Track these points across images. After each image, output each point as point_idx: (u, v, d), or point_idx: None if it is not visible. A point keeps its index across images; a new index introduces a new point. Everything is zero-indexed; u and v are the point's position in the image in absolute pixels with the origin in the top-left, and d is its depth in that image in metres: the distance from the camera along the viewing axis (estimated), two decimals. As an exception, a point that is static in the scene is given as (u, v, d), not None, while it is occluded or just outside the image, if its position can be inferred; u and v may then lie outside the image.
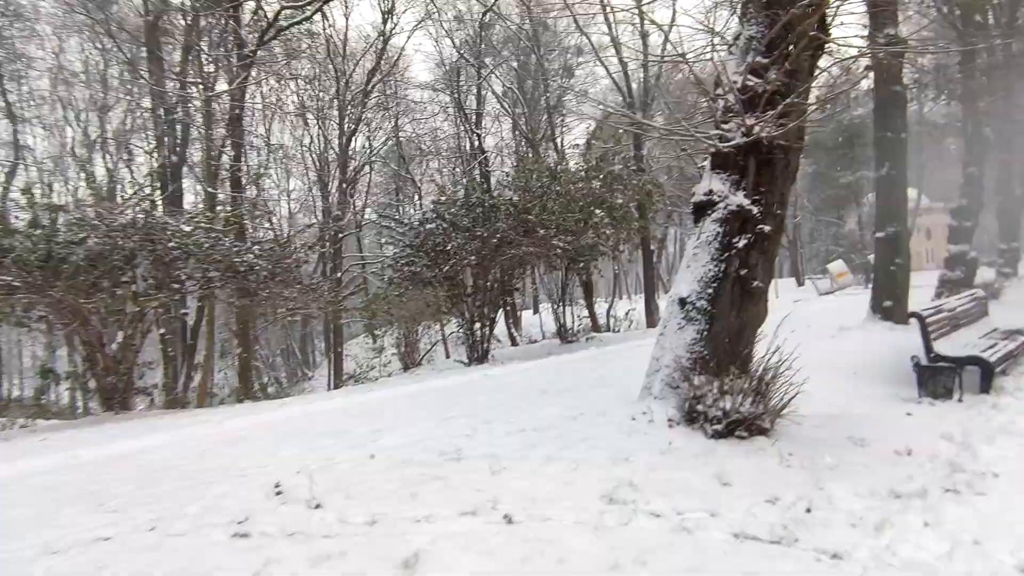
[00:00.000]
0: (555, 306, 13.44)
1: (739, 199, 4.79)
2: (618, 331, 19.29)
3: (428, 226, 10.52)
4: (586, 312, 17.43)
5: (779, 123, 4.69)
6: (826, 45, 5.20)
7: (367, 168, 28.10)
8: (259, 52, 21.16)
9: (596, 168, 12.66)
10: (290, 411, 6.76)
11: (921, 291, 15.67)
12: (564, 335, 13.41)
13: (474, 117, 23.17)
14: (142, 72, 17.04)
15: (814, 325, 11.74)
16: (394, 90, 27.43)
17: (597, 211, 12.13)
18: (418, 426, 5.13)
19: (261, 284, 8.36)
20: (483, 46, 21.67)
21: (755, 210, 4.76)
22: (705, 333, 4.72)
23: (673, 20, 12.19)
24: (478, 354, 11.67)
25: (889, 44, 7.15)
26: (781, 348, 4.46)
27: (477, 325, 11.75)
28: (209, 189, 14.80)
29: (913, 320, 6.37)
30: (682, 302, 4.84)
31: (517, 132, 24.78)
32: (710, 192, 4.91)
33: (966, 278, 13.88)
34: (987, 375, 5.55)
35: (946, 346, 6.15)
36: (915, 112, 24.46)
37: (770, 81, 4.75)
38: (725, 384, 4.33)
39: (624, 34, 22.60)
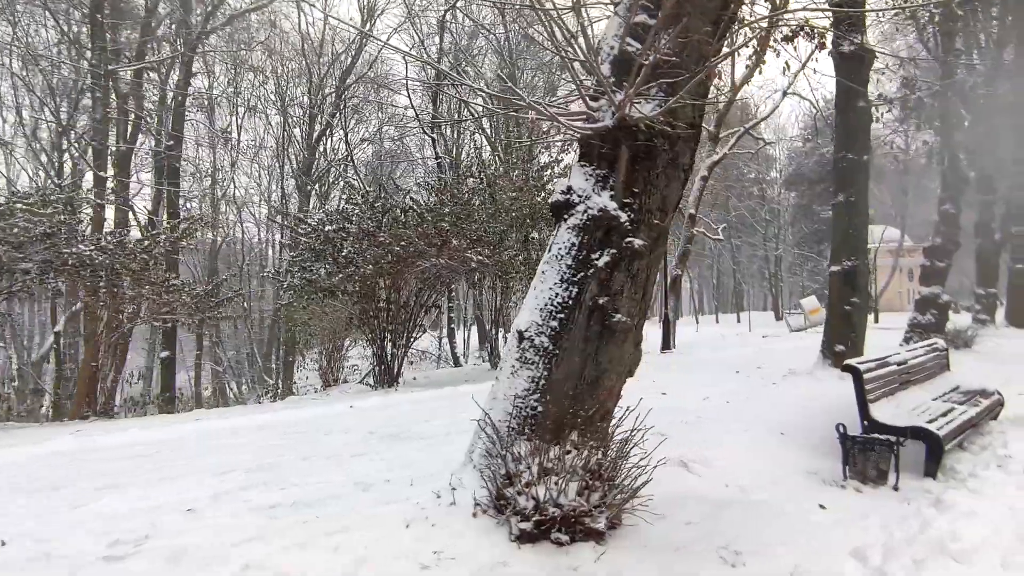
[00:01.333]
0: (488, 328, 12.12)
1: (603, 201, 3.52)
2: None
3: (327, 228, 9.22)
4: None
5: (664, 103, 3.46)
6: (740, 7, 4.00)
7: (336, 170, 26.82)
8: (211, 38, 19.98)
9: (538, 177, 11.43)
10: (72, 443, 5.34)
11: (892, 335, 14.59)
12: (494, 359, 12.06)
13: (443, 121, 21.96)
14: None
15: (765, 366, 10.54)
16: (374, 93, 26.28)
17: (533, 233, 10.93)
18: (168, 486, 3.75)
19: (101, 281, 6.99)
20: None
21: (624, 216, 3.49)
22: (542, 382, 3.40)
23: None
24: (388, 377, 10.29)
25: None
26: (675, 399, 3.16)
27: (389, 345, 10.38)
28: (100, 173, 13.36)
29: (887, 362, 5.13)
30: (519, 337, 3.53)
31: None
32: (568, 190, 3.63)
33: (937, 323, 12.75)
34: (934, 453, 4.28)
35: (889, 410, 4.88)
36: (900, 145, 23.66)
37: (655, 48, 3.51)
38: (548, 459, 3.01)
39: None
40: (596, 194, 3.56)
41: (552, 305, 3.46)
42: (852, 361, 4.76)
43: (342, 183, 19.46)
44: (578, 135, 3.68)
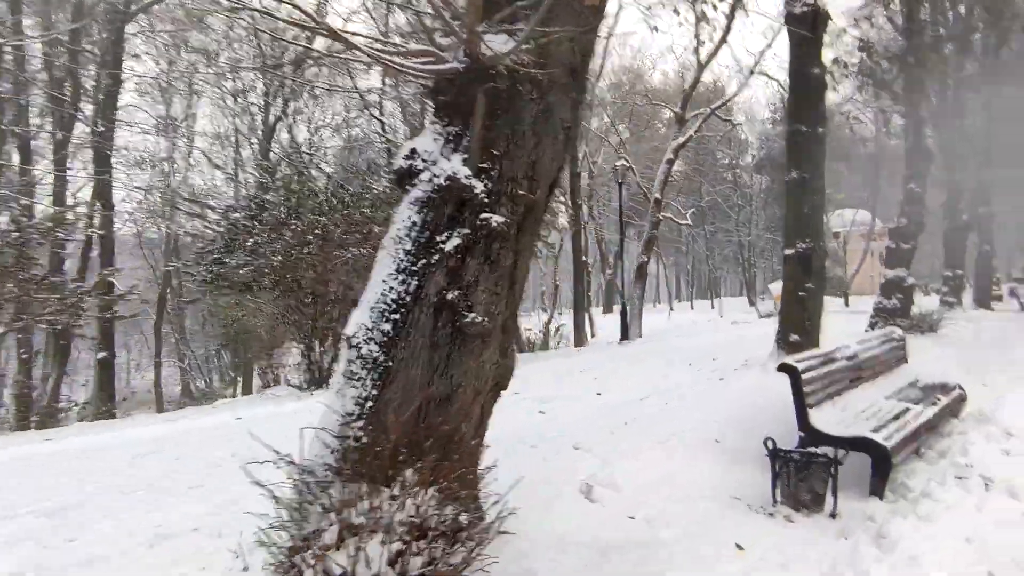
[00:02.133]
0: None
1: (452, 166, 2.72)
2: (529, 351, 17.28)
3: (234, 215, 8.31)
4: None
5: (530, 40, 2.67)
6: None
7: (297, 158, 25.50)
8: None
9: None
10: None
11: (861, 320, 14.08)
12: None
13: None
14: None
15: (723, 356, 9.90)
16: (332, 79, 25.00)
17: None
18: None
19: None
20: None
21: (479, 186, 2.70)
22: (370, 403, 2.62)
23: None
24: (317, 378, 9.45)
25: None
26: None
27: (317, 343, 9.51)
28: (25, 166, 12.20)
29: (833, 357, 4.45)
30: (347, 344, 2.73)
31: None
32: (412, 154, 2.83)
33: (903, 307, 12.25)
34: (881, 468, 3.60)
35: (833, 415, 4.19)
36: (873, 127, 23.22)
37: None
38: (359, 511, 2.23)
39: None
40: (445, 158, 2.76)
41: (385, 303, 2.67)
42: (790, 359, 4.05)
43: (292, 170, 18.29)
44: (423, 81, 2.87)
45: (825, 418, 4.07)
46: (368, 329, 2.66)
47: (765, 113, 33.61)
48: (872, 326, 12.47)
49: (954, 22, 14.59)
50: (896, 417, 4.30)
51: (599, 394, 6.52)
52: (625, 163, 12.72)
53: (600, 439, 4.61)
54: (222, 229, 8.55)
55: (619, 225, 15.37)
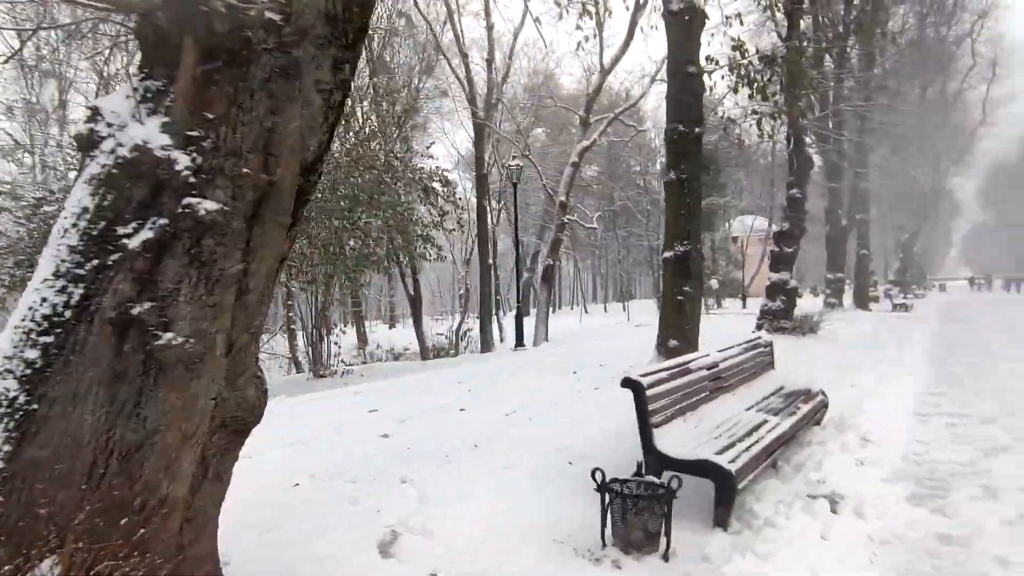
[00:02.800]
0: (308, 331, 10.34)
1: (146, 132, 2.00)
2: (435, 357, 16.55)
3: (47, 208, 7.04)
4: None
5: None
6: None
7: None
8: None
9: (360, 153, 9.77)
10: None
11: (753, 323, 14.46)
12: (317, 367, 10.30)
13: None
14: None
15: (611, 362, 9.62)
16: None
17: (363, 216, 9.29)
18: None
19: None
20: None
21: (183, 162, 2.00)
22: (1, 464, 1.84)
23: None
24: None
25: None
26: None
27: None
28: None
29: (689, 368, 4.07)
30: (-14, 378, 1.93)
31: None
32: (95, 115, 2.08)
33: (786, 309, 12.61)
34: (725, 495, 3.22)
35: (685, 432, 3.82)
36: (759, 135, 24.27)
37: None
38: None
39: None
40: (137, 121, 2.03)
41: (34, 320, 1.90)
42: (634, 373, 3.61)
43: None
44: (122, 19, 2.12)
45: (675, 437, 3.67)
46: (7, 359, 1.88)
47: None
48: (759, 327, 12.75)
49: (834, 37, 15.40)
50: (751, 431, 3.99)
51: (463, 410, 5.92)
52: (519, 163, 12.30)
53: (435, 468, 4.00)
54: (33, 225, 7.22)
55: (514, 226, 14.92)
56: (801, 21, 12.14)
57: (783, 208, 12.88)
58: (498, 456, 4.35)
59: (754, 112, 7.46)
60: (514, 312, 14.48)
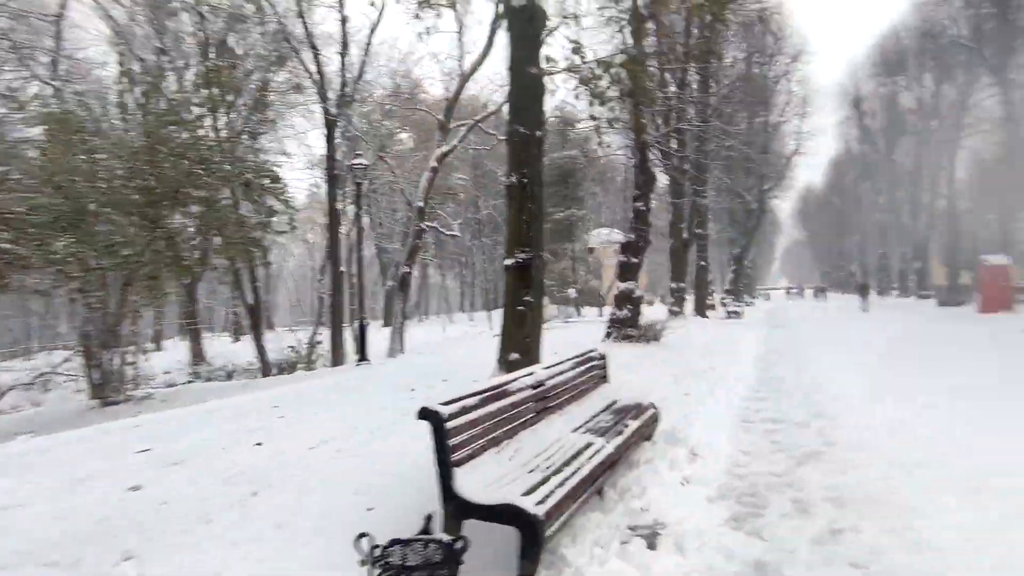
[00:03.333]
0: (93, 349, 8.53)
1: None
2: (231, 378, 14.98)
3: None
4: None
5: None
6: None
7: None
8: None
9: (163, 136, 8.27)
10: None
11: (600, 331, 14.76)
12: (104, 391, 8.51)
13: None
14: None
15: (453, 378, 9.06)
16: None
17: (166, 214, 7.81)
18: None
19: None
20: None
21: None
22: None
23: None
24: None
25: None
26: None
27: None
28: None
29: (508, 389, 3.51)
30: None
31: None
32: None
33: (632, 317, 12.96)
34: (531, 544, 2.71)
35: (497, 466, 3.28)
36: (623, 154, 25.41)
37: None
38: None
39: None
40: None
41: None
42: (434, 404, 3.00)
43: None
44: None
45: (483, 475, 3.11)
46: None
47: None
48: (608, 335, 12.98)
49: (675, 60, 16.41)
50: (573, 458, 3.56)
51: (259, 444, 4.95)
52: (364, 162, 11.36)
53: (181, 535, 3.07)
54: None
55: (357, 229, 13.95)
56: (645, 40, 12.64)
57: (630, 220, 13.29)
58: (279, 508, 3.51)
59: (592, 118, 7.36)
60: (380, 323, 13.50)
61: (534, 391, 4.08)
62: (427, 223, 20.31)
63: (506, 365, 6.81)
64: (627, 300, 12.63)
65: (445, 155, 19.25)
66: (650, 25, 12.22)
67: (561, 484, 3.14)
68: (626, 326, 12.53)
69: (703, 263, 24.25)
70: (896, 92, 38.47)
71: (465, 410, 3.18)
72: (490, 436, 3.39)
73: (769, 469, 4.59)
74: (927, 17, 31.20)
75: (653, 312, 25.91)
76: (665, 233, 21.38)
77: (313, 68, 18.75)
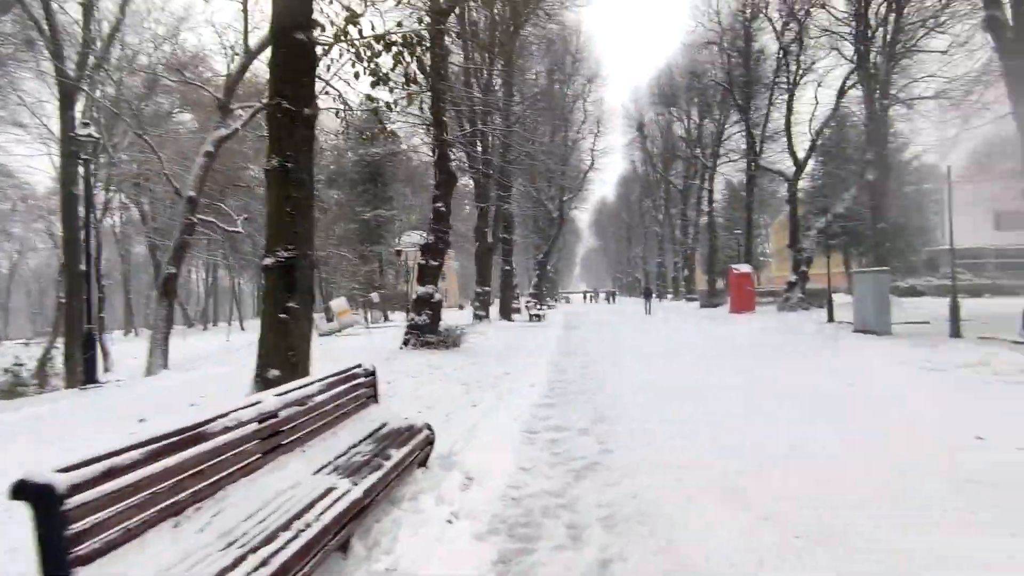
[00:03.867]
0: None
1: None
2: None
3: None
4: None
5: None
6: None
7: None
8: None
9: None
10: None
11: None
12: None
13: None
14: None
15: (203, 402, 7.61)
16: None
17: None
18: None
19: None
20: None
21: None
22: None
23: None
24: None
25: None
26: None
27: None
28: None
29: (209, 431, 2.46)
30: None
31: None
32: None
33: (431, 323, 12.39)
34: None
35: (174, 546, 2.31)
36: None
37: None
38: None
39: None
40: None
41: None
42: (42, 473, 1.94)
43: None
44: None
45: (140, 567, 2.12)
46: None
47: (336, 124, 33.27)
48: (406, 342, 12.23)
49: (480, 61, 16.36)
50: (298, 516, 2.72)
51: None
52: (91, 133, 9.00)
53: None
54: None
55: (85, 219, 11.36)
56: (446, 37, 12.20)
57: (430, 221, 12.73)
58: None
59: (369, 99, 6.57)
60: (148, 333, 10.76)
61: (260, 425, 3.15)
62: (202, 217, 17.58)
63: (263, 383, 5.66)
64: (426, 305, 12.02)
65: (224, 139, 16.79)
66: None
67: (273, 556, 2.29)
68: (425, 332, 11.92)
69: (508, 267, 24.84)
70: (671, 121, 44.09)
71: (112, 473, 2.16)
72: (167, 503, 2.40)
73: (547, 487, 4.24)
74: (693, 59, 36.16)
75: (461, 316, 25.85)
76: (472, 237, 21.37)
77: (41, 15, 14.96)
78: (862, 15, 19.17)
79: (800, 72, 24.87)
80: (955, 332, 12.44)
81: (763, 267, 50.90)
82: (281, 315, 5.81)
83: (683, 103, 41.32)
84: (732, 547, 3.16)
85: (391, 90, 6.61)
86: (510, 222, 25.14)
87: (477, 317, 20.01)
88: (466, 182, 24.85)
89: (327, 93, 7.68)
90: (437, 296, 12.29)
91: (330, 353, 12.58)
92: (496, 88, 19.93)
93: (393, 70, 6.57)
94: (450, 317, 24.95)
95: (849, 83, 21.82)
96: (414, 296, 12.37)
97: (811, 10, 21.27)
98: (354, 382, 4.39)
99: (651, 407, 6.67)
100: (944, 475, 4.12)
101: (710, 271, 37.25)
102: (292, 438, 3.44)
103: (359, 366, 4.59)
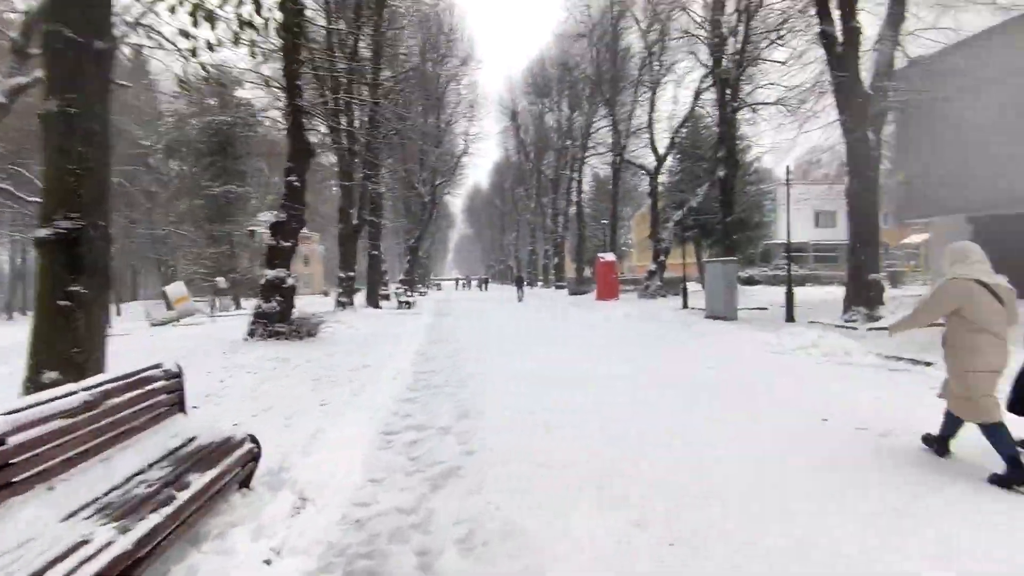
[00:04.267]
0: None
1: None
2: None
3: None
4: None
5: None
6: None
7: None
8: None
9: None
10: None
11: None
12: None
13: None
14: None
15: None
16: None
17: None
18: None
19: None
20: None
21: None
22: None
23: None
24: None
25: None
26: None
27: None
28: None
29: None
30: None
31: None
32: None
33: (283, 311, 11.12)
34: None
35: None
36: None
37: None
38: None
39: None
40: None
41: None
42: None
43: None
44: None
45: None
46: None
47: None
48: (251, 333, 10.87)
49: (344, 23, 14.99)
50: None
51: None
52: None
53: None
54: None
55: None
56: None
57: (281, 197, 11.37)
58: None
59: (184, 35, 5.36)
60: None
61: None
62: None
63: (36, 389, 4.39)
64: (276, 290, 10.74)
65: (21, 90, 13.84)
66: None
67: None
68: (274, 321, 10.65)
69: (376, 252, 23.55)
70: (543, 112, 44.84)
71: None
72: None
73: (399, 502, 3.64)
74: (565, 51, 36.92)
75: (326, 304, 24.12)
76: (337, 219, 19.85)
77: None
78: (717, 22, 20.50)
79: (662, 72, 26.24)
80: (789, 317, 13.70)
81: (626, 256, 53.95)
82: (61, 302, 4.55)
83: (555, 94, 42.18)
84: (605, 565, 2.80)
85: (234, 39, 5.46)
86: (378, 204, 23.82)
87: (340, 304, 18.65)
88: (333, 161, 23.07)
89: (137, 28, 6.27)
90: (290, 281, 11.03)
91: (156, 347, 10.82)
92: (363, 60, 18.58)
93: (222, 6, 5.44)
94: (313, 304, 23.14)
95: (704, 86, 23.38)
96: (262, 281, 10.99)
97: (672, 13, 22.39)
98: (148, 387, 3.43)
99: (520, 398, 6.31)
100: (804, 459, 4.15)
101: (579, 259, 38.60)
102: (33, 471, 2.49)
103: (158, 366, 3.62)
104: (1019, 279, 4.53)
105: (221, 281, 18.19)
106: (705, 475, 3.91)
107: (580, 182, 39.34)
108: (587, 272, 39.40)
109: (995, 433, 3.74)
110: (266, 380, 7.05)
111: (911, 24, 12.62)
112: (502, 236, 71.28)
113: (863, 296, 12.45)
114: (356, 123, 18.37)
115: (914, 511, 3.31)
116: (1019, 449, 3.70)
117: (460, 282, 72.34)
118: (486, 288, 58.51)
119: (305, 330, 10.90)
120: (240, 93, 28.65)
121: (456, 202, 67.67)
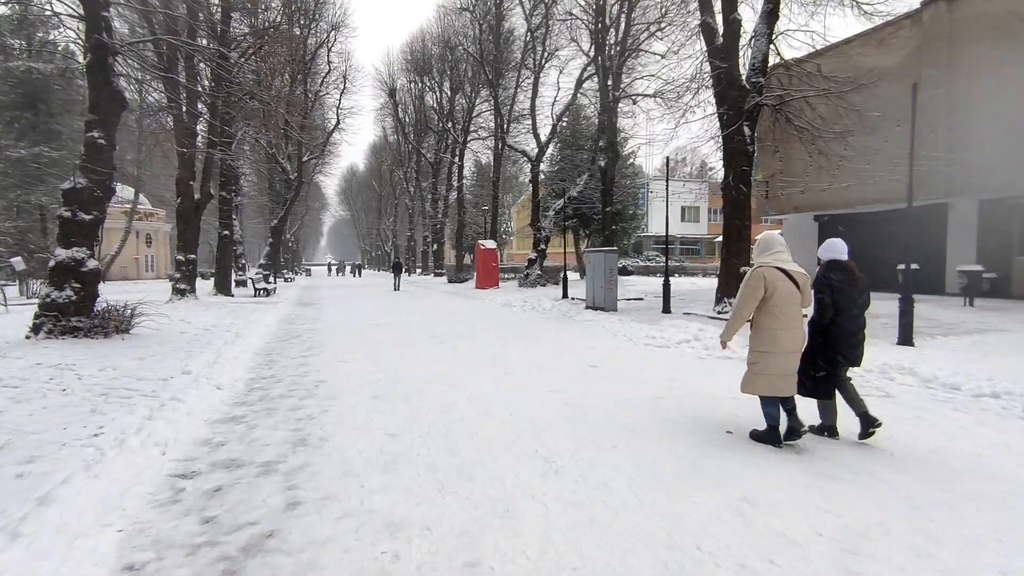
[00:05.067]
0: None
1: None
2: None
3: None
4: None
5: None
6: None
7: None
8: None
9: None
10: None
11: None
12: None
13: None
14: None
15: None
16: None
17: None
18: None
19: None
20: None
21: None
22: None
23: None
24: None
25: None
26: None
27: None
28: None
29: None
30: None
31: None
32: None
33: (82, 301, 8.82)
34: None
35: None
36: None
37: None
38: None
39: None
40: None
41: None
42: None
43: None
44: None
45: None
46: None
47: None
48: (36, 329, 8.49)
49: None
50: None
51: None
52: None
53: None
54: None
55: None
56: None
57: (80, 156, 8.96)
58: None
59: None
60: None
61: None
62: None
63: None
64: (70, 275, 8.45)
65: None
66: None
67: None
68: (68, 314, 8.38)
69: (227, 232, 20.63)
70: (424, 91, 42.89)
71: None
72: None
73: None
74: (446, 27, 35.35)
75: (162, 291, 20.79)
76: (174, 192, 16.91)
77: None
78: (601, 8, 20.26)
79: (545, 56, 25.75)
80: (666, 308, 13.68)
81: (506, 244, 53.82)
82: None
83: (436, 73, 40.46)
84: None
85: None
86: (231, 178, 20.90)
87: (178, 292, 15.91)
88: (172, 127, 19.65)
89: None
90: (91, 263, 8.73)
91: None
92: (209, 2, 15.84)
93: None
94: (150, 292, 19.74)
95: (587, 74, 23.20)
96: (51, 263, 8.58)
97: (556, -4, 21.88)
98: None
99: (371, 415, 5.09)
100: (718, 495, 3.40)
101: (458, 246, 37.50)
102: None
103: None
104: (863, 269, 4.68)
105: (18, 262, 14.46)
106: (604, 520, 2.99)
107: (461, 167, 38.14)
108: (467, 259, 38.43)
109: (770, 406, 4.21)
110: (21, 400, 5.14)
111: (783, 24, 12.93)
112: (379, 221, 68.15)
113: (734, 288, 12.65)
114: (200, 77, 15.66)
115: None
116: (804, 429, 4.18)
117: (333, 267, 68.12)
118: (359, 275, 55.53)
119: (114, 325, 8.72)
120: (58, 37, 23.89)
121: (331, 183, 63.47)
